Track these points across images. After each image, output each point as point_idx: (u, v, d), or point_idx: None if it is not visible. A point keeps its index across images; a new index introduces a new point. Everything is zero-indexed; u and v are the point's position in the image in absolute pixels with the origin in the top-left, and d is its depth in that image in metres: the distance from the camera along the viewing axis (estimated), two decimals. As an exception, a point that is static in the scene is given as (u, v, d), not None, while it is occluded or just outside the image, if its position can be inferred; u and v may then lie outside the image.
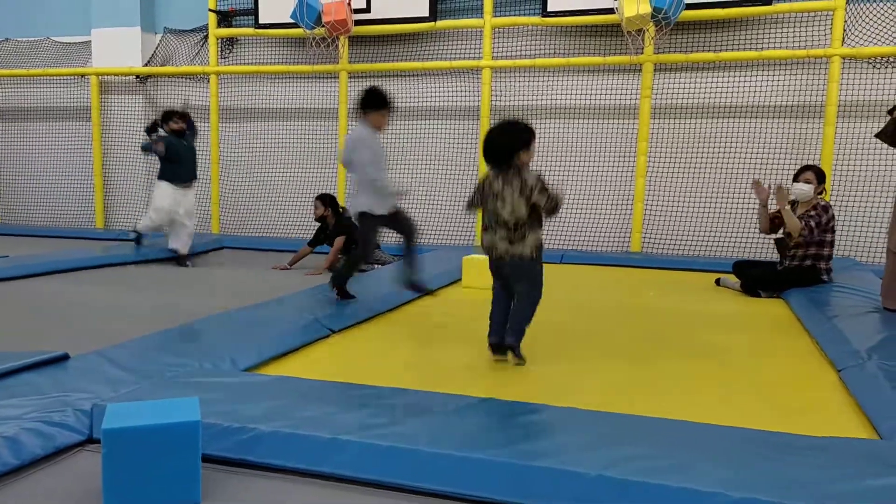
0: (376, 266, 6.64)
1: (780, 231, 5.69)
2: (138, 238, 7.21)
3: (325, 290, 4.97)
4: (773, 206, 5.65)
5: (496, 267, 3.51)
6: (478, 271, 5.69)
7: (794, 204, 5.67)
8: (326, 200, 6.75)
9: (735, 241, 7.49)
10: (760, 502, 1.87)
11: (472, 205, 3.59)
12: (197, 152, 7.25)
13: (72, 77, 9.63)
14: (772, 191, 5.58)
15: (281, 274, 6.55)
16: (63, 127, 9.91)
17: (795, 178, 5.59)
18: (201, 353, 3.28)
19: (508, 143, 3.37)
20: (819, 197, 5.55)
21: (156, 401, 2.21)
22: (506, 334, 3.47)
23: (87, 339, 3.70)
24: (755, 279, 5.63)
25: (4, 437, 2.20)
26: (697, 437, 2.32)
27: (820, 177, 5.56)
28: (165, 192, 6.95)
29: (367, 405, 2.58)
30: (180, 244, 6.96)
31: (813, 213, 5.40)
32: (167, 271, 6.56)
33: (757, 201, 5.80)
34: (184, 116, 7.14)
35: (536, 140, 3.49)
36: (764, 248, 7.20)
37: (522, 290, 3.47)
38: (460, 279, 5.96)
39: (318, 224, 6.91)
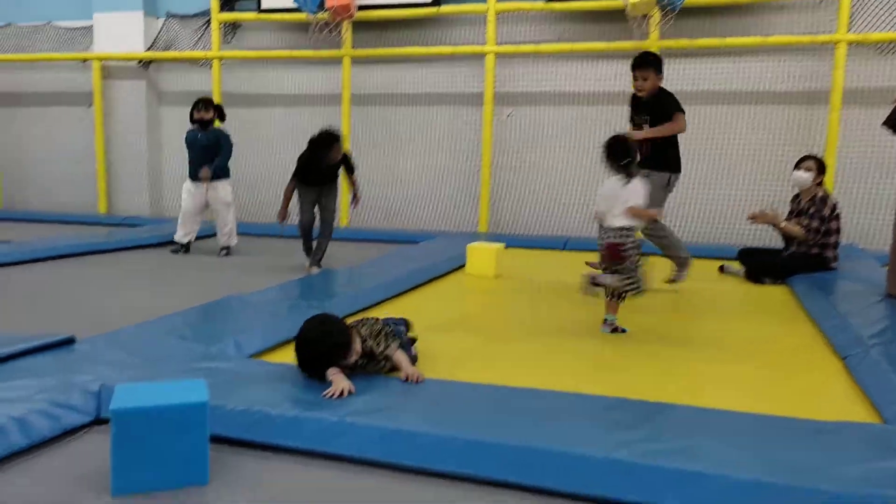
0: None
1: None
2: (184, 247, 6.78)
3: (329, 278, 5.00)
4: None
5: None
6: (481, 259, 5.69)
7: (797, 197, 5.69)
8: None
9: (739, 228, 7.47)
10: (766, 485, 1.87)
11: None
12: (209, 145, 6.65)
13: (74, 62, 9.60)
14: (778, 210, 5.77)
15: (285, 261, 6.53)
16: (65, 112, 9.89)
17: (796, 167, 5.61)
18: (206, 337, 3.29)
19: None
20: (819, 187, 5.55)
21: (163, 382, 2.21)
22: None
23: (91, 323, 3.71)
24: (760, 267, 5.62)
25: (13, 417, 2.21)
26: (704, 422, 2.33)
27: (820, 167, 5.56)
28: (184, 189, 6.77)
29: (373, 390, 2.58)
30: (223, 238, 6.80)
31: (812, 209, 5.42)
32: (169, 257, 6.56)
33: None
34: (208, 104, 6.68)
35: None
36: (769, 234, 7.18)
37: None
38: (463, 265, 5.97)
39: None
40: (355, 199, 5.95)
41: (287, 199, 5.79)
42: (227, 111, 9.08)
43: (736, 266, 5.92)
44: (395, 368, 2.86)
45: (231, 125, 9.15)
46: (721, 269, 6.05)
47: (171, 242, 6.88)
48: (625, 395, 2.61)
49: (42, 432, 2.26)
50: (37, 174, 10.09)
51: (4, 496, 1.94)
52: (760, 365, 3.39)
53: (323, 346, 2.66)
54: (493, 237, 7.29)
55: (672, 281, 5.21)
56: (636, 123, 5.06)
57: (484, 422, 2.29)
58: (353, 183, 5.97)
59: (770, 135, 7.38)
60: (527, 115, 8.13)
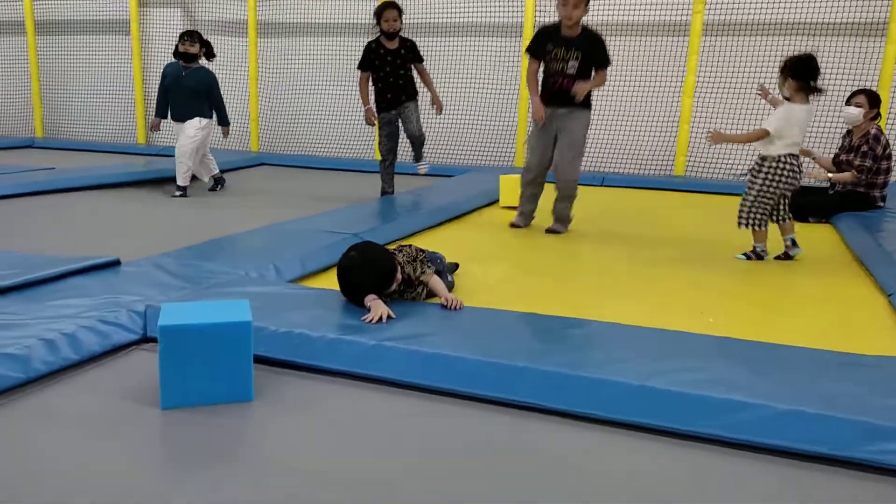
0: None
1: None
2: (218, 182, 6.43)
3: (363, 209, 5.01)
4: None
5: None
6: (514, 191, 5.63)
7: (848, 133, 5.52)
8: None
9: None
10: (806, 414, 1.86)
11: None
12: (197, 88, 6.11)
13: (110, -10, 9.56)
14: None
15: (321, 190, 6.55)
16: (103, 40, 9.89)
17: (847, 102, 5.43)
18: (247, 263, 3.34)
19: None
20: (871, 123, 5.35)
21: (208, 302, 2.26)
22: None
23: (134, 247, 3.78)
24: (805, 205, 5.49)
25: (64, 333, 2.29)
26: (744, 353, 2.31)
27: (872, 102, 5.35)
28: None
29: (410, 316, 2.61)
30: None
31: (865, 147, 5.25)
32: (205, 186, 6.62)
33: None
34: (194, 37, 6.11)
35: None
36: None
37: None
38: (498, 200, 5.93)
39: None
40: (435, 103, 5.64)
41: (365, 92, 5.58)
42: (262, 41, 8.95)
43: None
44: (431, 295, 2.88)
45: (267, 55, 9.11)
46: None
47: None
48: (660, 326, 2.60)
49: (92, 348, 2.34)
50: (77, 103, 10.18)
51: (60, 407, 2.02)
52: (803, 300, 3.35)
53: (369, 272, 2.67)
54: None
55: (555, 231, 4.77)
56: (557, 59, 4.52)
57: (519, 348, 2.31)
58: (427, 82, 5.64)
59: (822, 67, 7.07)
60: (567, 47, 7.92)
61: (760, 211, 3.98)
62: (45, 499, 1.57)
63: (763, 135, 3.87)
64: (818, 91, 3.79)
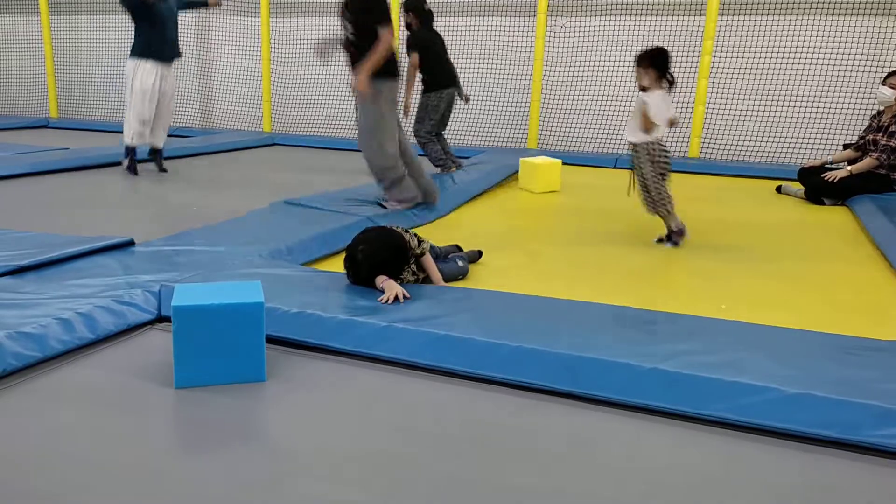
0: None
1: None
2: (132, 160, 5.69)
3: (378, 190, 4.99)
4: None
5: None
6: (534, 174, 5.62)
7: (879, 114, 5.47)
8: (409, 7, 5.67)
9: (800, 147, 7.21)
10: (816, 398, 1.86)
11: None
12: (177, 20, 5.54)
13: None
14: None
15: (334, 171, 6.54)
16: (117, 20, 9.88)
17: (883, 82, 5.40)
18: (259, 244, 3.35)
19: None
20: None
21: (221, 282, 2.28)
22: None
23: (147, 228, 3.81)
24: (820, 186, 5.43)
25: (80, 312, 2.32)
26: (754, 337, 2.31)
27: None
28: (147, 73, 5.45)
29: (421, 299, 2.61)
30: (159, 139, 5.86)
31: (894, 127, 5.19)
32: (218, 166, 6.64)
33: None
34: None
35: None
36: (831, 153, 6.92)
37: None
38: (511, 177, 5.91)
39: None
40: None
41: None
42: (275, 20, 8.91)
43: (795, 186, 5.74)
44: (427, 279, 2.93)
45: (279, 34, 9.08)
46: (778, 189, 5.89)
47: (153, 157, 6.02)
48: (673, 311, 2.59)
49: (107, 328, 2.36)
50: (92, 83, 10.20)
51: (75, 385, 2.05)
52: (816, 284, 3.33)
53: (378, 252, 2.70)
54: (542, 153, 7.17)
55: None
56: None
57: (532, 330, 2.31)
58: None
59: (842, 48, 6.97)
60: (581, 27, 7.84)
61: (664, 192, 3.90)
62: (60, 476, 1.60)
63: (651, 128, 3.81)
64: (672, 82, 3.79)
